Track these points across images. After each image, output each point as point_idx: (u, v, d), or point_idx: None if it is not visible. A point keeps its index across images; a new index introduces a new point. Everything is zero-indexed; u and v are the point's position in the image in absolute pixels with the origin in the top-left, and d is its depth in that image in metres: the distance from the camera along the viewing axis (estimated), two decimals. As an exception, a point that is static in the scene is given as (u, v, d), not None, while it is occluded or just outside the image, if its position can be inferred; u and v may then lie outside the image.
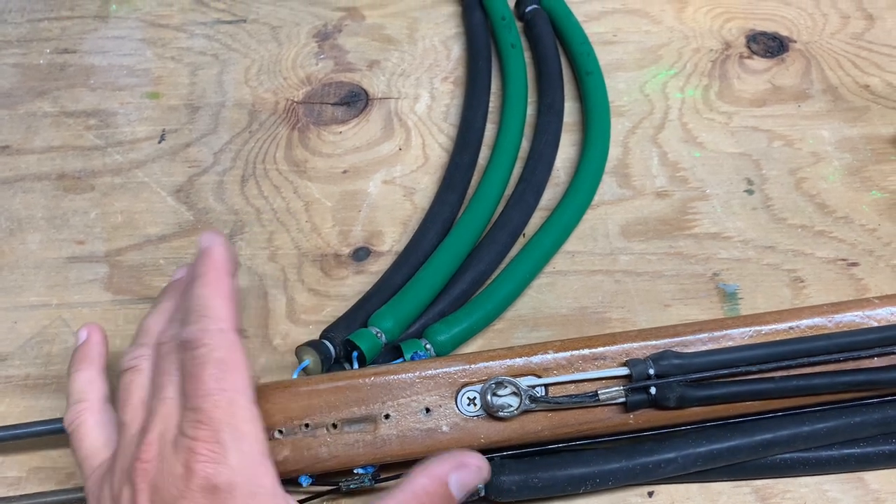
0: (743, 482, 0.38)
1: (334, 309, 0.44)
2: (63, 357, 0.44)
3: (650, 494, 0.38)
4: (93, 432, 0.35)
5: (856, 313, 0.37)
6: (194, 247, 0.48)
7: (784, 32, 0.58)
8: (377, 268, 0.46)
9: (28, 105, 0.55)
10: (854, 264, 0.46)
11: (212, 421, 0.31)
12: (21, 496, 0.38)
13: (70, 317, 0.45)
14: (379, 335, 0.40)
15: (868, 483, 0.38)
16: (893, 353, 0.36)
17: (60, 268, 0.47)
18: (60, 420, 0.40)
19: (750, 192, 0.49)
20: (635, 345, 0.36)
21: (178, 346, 0.33)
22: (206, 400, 0.31)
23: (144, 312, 0.45)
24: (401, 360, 0.40)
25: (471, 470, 0.33)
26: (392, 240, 0.48)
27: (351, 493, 0.38)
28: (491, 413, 0.35)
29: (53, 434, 0.40)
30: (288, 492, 0.34)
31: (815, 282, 0.45)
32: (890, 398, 0.37)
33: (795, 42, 0.57)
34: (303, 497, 0.37)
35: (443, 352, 0.41)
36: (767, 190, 0.49)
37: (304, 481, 0.36)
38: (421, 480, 0.33)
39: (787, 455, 0.37)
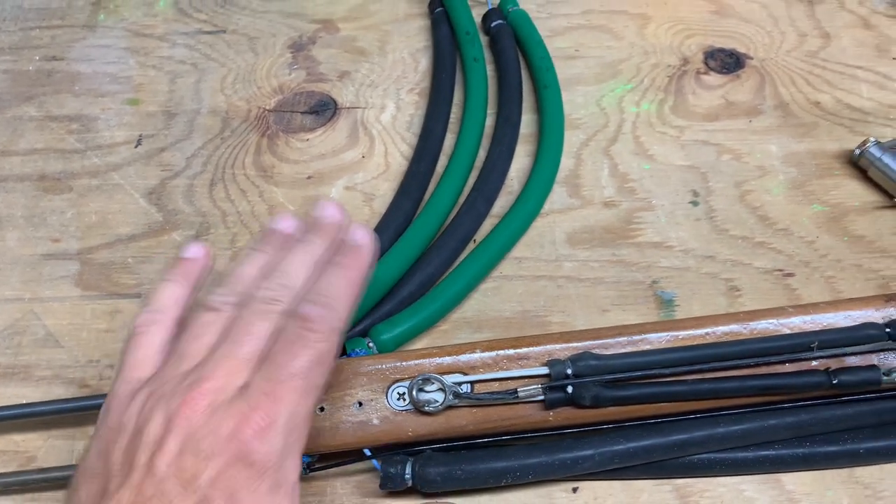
0: (664, 480, 0.40)
1: (289, 308, 0.47)
2: (32, 348, 0.46)
3: (574, 490, 0.40)
4: (152, 347, 0.34)
5: (770, 321, 0.39)
6: (164, 246, 0.50)
7: (742, 49, 0.59)
8: (333, 269, 0.49)
9: (15, 109, 0.58)
10: (790, 275, 0.47)
11: (279, 400, 0.30)
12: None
13: (41, 310, 0.48)
14: (321, 333, 0.43)
15: (784, 484, 0.40)
16: (802, 360, 0.37)
17: (35, 264, 0.50)
18: (25, 405, 0.42)
19: (695, 203, 0.51)
20: (558, 346, 0.38)
21: (290, 314, 0.32)
22: (290, 379, 0.30)
23: (111, 307, 0.48)
24: (343, 357, 0.42)
25: None
26: (349, 243, 0.50)
27: (288, 481, 0.40)
28: (418, 408, 0.37)
29: (18, 419, 0.42)
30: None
31: (751, 291, 0.47)
32: (804, 403, 0.38)
33: (752, 59, 0.59)
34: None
35: (385, 350, 0.43)
36: (712, 202, 0.51)
37: (243, 468, 0.38)
38: None
39: (705, 455, 0.39)
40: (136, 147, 0.56)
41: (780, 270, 0.48)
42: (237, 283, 0.35)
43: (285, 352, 0.31)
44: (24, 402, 0.44)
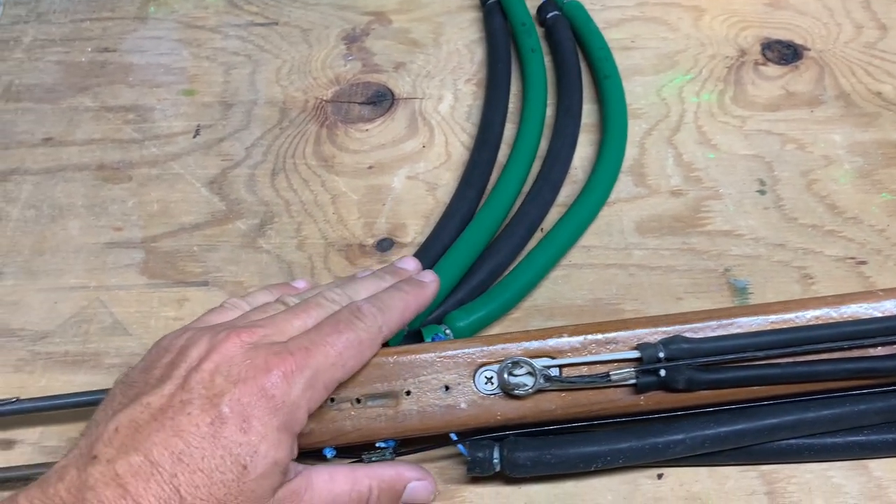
0: (750, 467, 0.40)
1: (358, 296, 0.46)
2: (100, 335, 0.46)
3: (660, 476, 0.40)
4: (226, 318, 0.37)
5: (860, 305, 0.38)
6: (228, 235, 0.50)
7: (798, 41, 0.59)
8: (400, 258, 0.48)
9: (70, 100, 0.58)
10: (862, 262, 0.47)
11: (312, 357, 0.33)
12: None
13: (107, 298, 0.47)
14: (401, 320, 0.42)
15: (872, 470, 0.39)
16: (895, 343, 0.37)
17: (99, 252, 0.50)
18: (97, 392, 0.42)
19: (762, 192, 0.51)
20: (646, 330, 0.38)
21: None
22: (326, 345, 0.34)
23: (179, 295, 0.47)
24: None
25: (427, 487, 0.37)
26: (415, 232, 0.50)
27: (372, 467, 0.40)
28: (507, 391, 0.37)
29: (90, 406, 0.42)
30: (313, 464, 0.37)
31: (825, 279, 0.46)
32: (894, 388, 0.38)
33: (809, 50, 0.59)
34: (326, 468, 0.39)
35: (462, 336, 0.43)
36: (779, 190, 0.51)
37: (329, 453, 0.38)
38: (388, 471, 0.36)
39: (793, 441, 0.39)
40: (194, 137, 0.55)
41: (853, 258, 0.47)
42: (308, 293, 0.39)
43: (331, 326, 0.35)
44: (96, 388, 0.43)
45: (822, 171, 0.52)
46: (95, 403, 0.41)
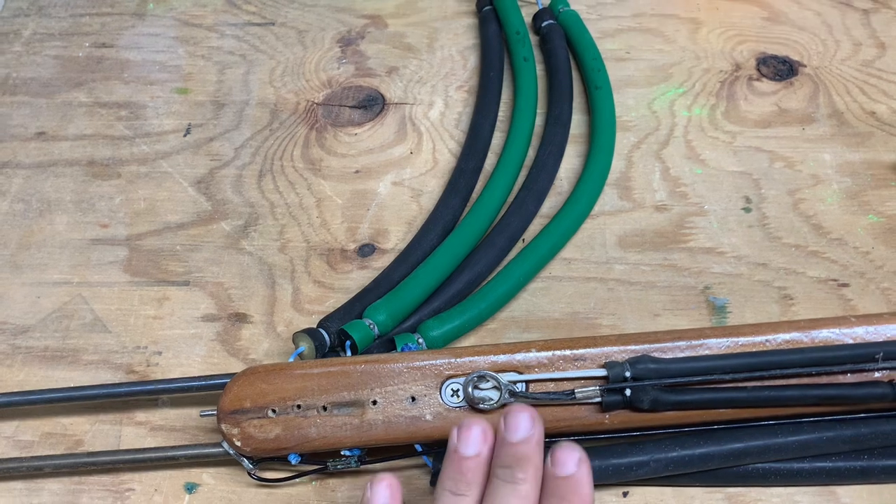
0: (716, 488, 0.39)
1: (337, 301, 0.47)
2: (80, 332, 0.46)
3: (625, 494, 0.39)
4: None
5: (832, 330, 0.38)
6: (212, 235, 0.50)
7: (795, 57, 0.59)
8: (381, 264, 0.48)
9: (65, 95, 0.59)
10: (844, 285, 0.47)
11: None
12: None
13: (89, 295, 0.48)
14: (372, 327, 0.42)
15: (839, 497, 0.39)
16: (865, 370, 0.37)
17: (84, 248, 0.50)
18: (73, 389, 0.42)
19: (747, 209, 0.50)
20: (615, 348, 0.38)
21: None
22: None
23: (160, 294, 0.48)
24: (394, 352, 0.42)
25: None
26: (397, 238, 0.50)
27: (338, 474, 0.40)
28: (472, 405, 0.37)
29: (66, 402, 0.42)
30: (277, 469, 0.37)
31: (805, 300, 0.46)
32: (862, 416, 0.38)
33: (805, 66, 0.58)
34: (291, 474, 0.39)
35: (435, 346, 0.43)
36: (765, 209, 0.50)
37: (294, 459, 0.38)
38: None
39: (760, 465, 0.38)
40: (184, 136, 0.56)
41: (835, 280, 0.47)
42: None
43: None
44: (73, 385, 0.44)
45: (810, 190, 0.51)
46: (69, 400, 0.42)
